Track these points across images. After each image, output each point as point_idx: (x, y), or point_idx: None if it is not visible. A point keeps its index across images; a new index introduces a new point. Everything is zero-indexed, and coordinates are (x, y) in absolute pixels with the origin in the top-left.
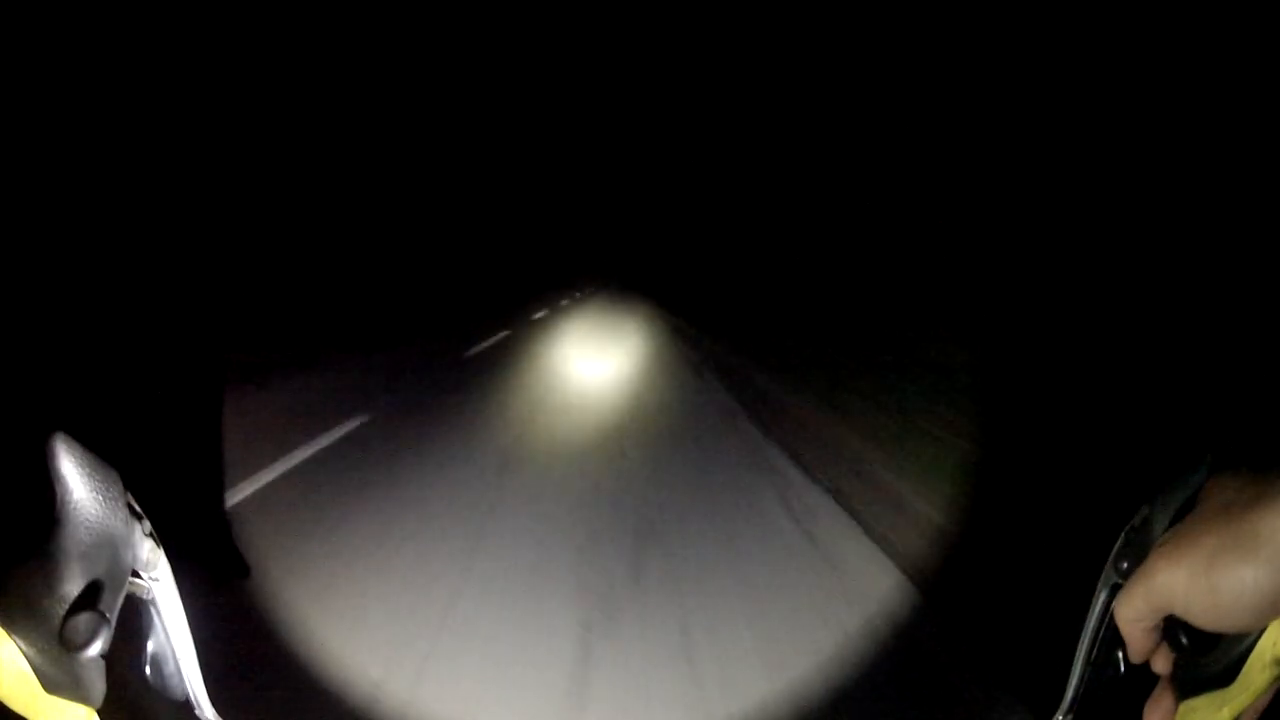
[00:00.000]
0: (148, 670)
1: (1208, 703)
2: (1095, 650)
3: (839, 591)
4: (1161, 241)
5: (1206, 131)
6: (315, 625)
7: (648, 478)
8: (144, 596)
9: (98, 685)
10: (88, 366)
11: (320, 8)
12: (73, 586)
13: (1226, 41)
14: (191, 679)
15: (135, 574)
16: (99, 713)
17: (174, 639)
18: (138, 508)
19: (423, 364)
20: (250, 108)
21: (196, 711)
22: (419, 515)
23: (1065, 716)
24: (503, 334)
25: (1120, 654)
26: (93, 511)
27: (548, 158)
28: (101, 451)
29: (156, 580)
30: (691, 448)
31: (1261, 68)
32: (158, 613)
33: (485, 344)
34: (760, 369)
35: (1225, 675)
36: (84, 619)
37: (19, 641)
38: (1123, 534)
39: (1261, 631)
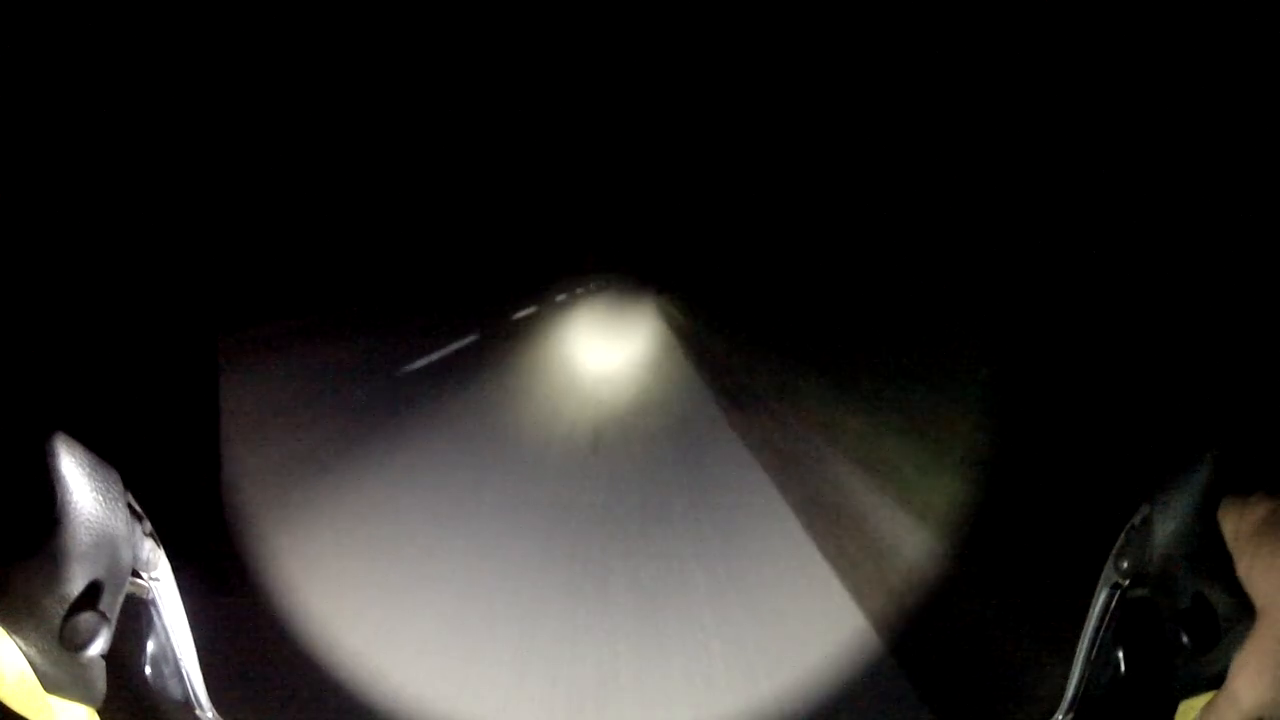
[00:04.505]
0: (148, 670)
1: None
2: (1095, 650)
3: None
4: (1161, 241)
5: (1206, 131)
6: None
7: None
8: (144, 596)
9: (98, 685)
10: (88, 366)
11: (321, 5)
12: (73, 586)
13: (1226, 42)
14: (191, 679)
15: (135, 574)
16: (99, 713)
17: (174, 639)
18: (138, 508)
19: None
20: (249, 104)
21: (196, 711)
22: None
23: (1065, 716)
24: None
25: (1120, 654)
26: (93, 511)
27: (551, 152)
28: (101, 451)
29: (156, 580)
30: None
31: (1261, 68)
32: (158, 613)
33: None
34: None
35: (1225, 675)
36: (84, 619)
37: (19, 641)
38: (1123, 534)
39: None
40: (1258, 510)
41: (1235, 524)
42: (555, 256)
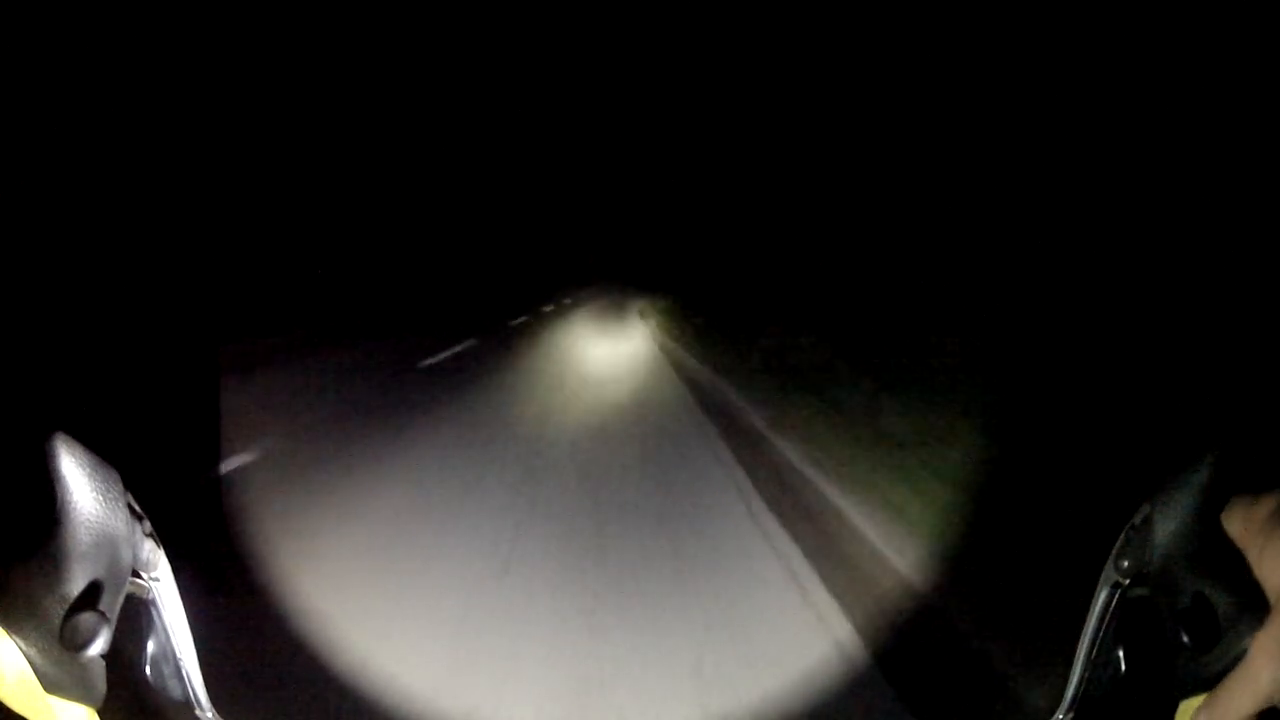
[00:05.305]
0: (148, 670)
1: None
2: (1095, 650)
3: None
4: (1161, 240)
5: (1207, 131)
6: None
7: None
8: (144, 596)
9: (98, 685)
10: (88, 366)
11: (320, 7)
12: (73, 586)
13: (1226, 41)
14: (191, 679)
15: (135, 574)
16: (99, 713)
17: (174, 639)
18: (138, 508)
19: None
20: (249, 108)
21: (196, 711)
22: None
23: (1065, 716)
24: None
25: (1120, 654)
26: (93, 511)
27: (546, 157)
28: (101, 451)
29: (156, 580)
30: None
31: (1262, 68)
32: (158, 613)
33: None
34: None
35: (1225, 675)
36: (84, 619)
37: (19, 641)
38: (1123, 533)
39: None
40: (1266, 505)
41: (1243, 521)
42: (556, 265)
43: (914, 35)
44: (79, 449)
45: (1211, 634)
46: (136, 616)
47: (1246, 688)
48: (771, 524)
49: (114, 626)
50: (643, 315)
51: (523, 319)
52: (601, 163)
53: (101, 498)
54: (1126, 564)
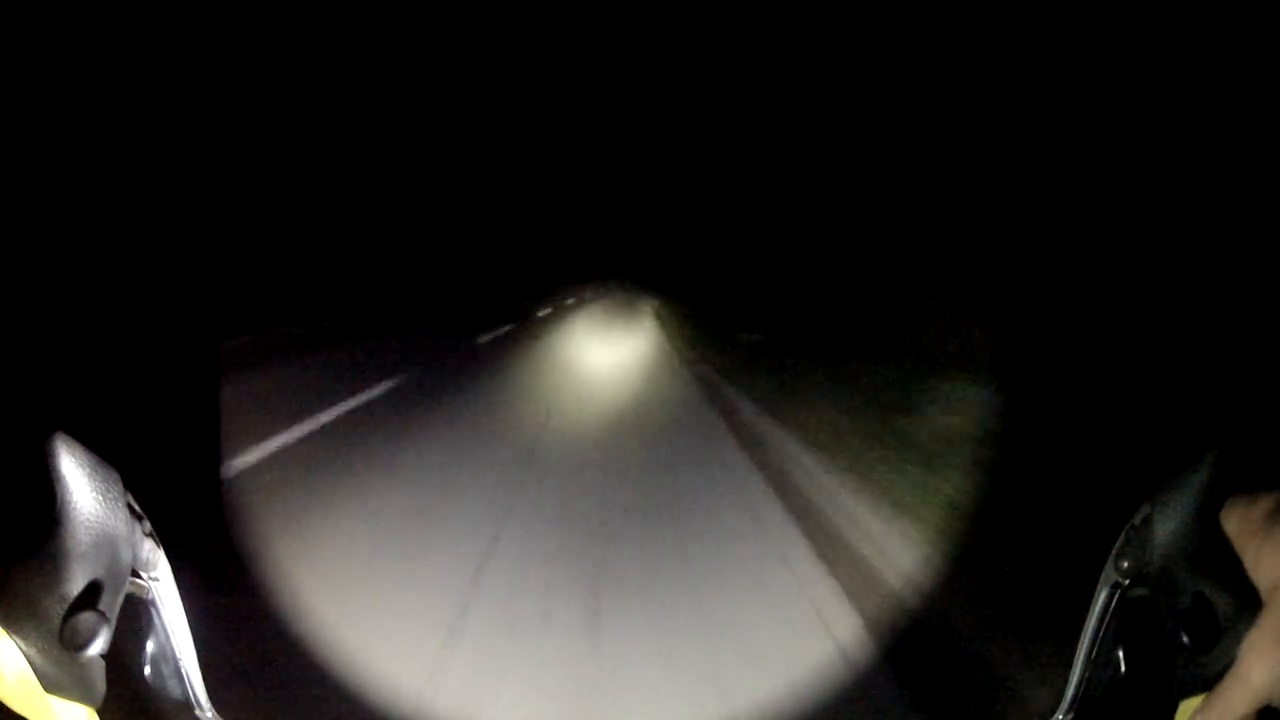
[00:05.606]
0: (148, 670)
1: None
2: (1095, 650)
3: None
4: (1161, 237)
5: (1207, 131)
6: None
7: None
8: (144, 596)
9: (98, 685)
10: (88, 366)
11: (322, 6)
12: (73, 586)
13: (1227, 40)
14: (191, 679)
15: (135, 574)
16: (99, 713)
17: (174, 639)
18: (138, 508)
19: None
20: (250, 107)
21: (196, 711)
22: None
23: (1065, 716)
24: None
25: (1120, 654)
26: (93, 511)
27: (545, 156)
28: (101, 451)
29: (156, 580)
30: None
31: (1262, 68)
32: (158, 613)
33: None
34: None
35: (1225, 675)
36: (84, 619)
37: (19, 641)
38: (1123, 533)
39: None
40: (1262, 504)
41: (1240, 519)
42: (557, 265)
43: (918, 32)
44: (79, 449)
45: (1211, 634)
46: (136, 616)
47: (1241, 688)
48: None
49: (114, 626)
50: (659, 319)
51: (507, 327)
52: (607, 150)
53: (101, 498)
54: (1126, 564)
